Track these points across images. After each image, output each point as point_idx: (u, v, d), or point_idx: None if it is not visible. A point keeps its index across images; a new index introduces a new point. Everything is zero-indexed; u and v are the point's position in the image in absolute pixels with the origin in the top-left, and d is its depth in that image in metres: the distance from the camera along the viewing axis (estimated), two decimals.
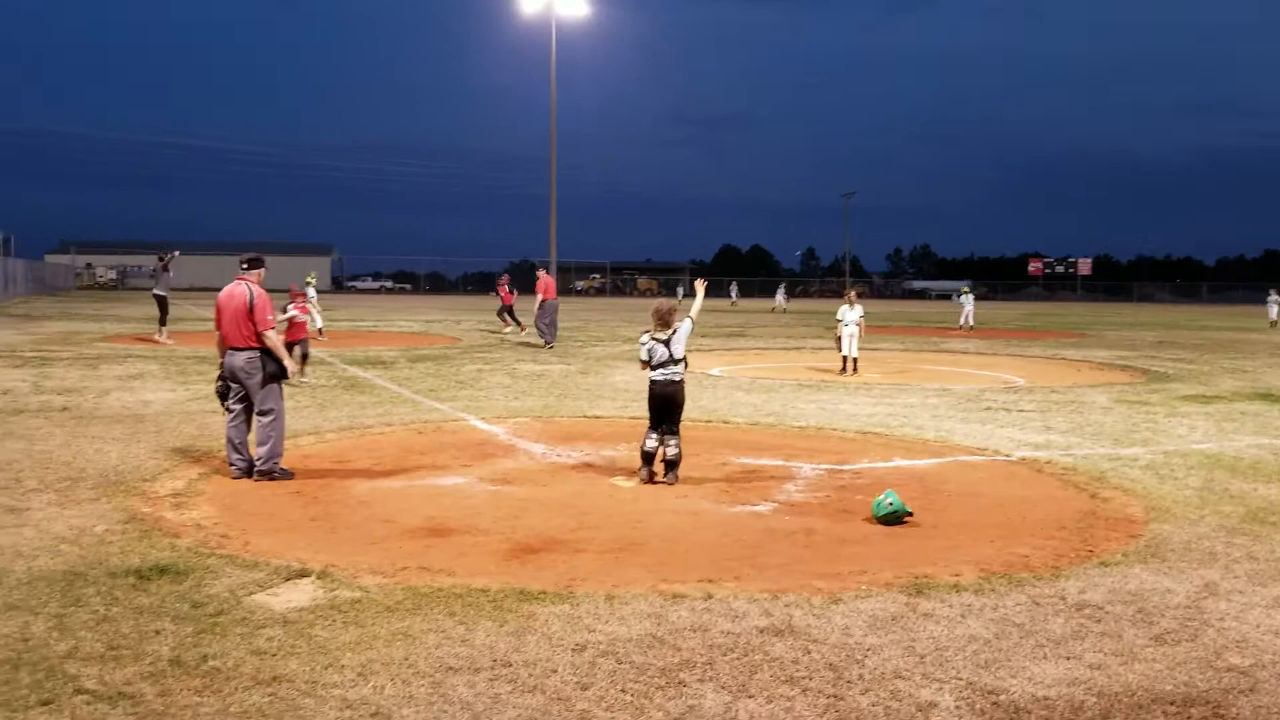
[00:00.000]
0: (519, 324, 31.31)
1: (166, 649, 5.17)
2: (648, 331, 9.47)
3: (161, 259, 26.42)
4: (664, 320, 9.41)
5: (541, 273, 27.26)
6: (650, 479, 9.39)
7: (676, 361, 9.39)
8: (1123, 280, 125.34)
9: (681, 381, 9.46)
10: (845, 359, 20.07)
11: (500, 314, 32.49)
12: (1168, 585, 6.52)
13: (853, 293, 20.87)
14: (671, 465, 9.41)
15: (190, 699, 4.58)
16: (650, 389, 9.53)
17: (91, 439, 11.26)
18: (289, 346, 15.91)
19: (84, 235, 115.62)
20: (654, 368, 9.44)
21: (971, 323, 38.85)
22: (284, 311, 16.14)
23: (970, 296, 40.37)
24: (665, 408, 9.43)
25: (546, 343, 26.17)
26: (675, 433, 9.43)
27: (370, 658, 5.10)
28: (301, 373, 16.29)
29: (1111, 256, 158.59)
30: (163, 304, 25.84)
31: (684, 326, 9.45)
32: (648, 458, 9.46)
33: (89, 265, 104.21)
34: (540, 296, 26.33)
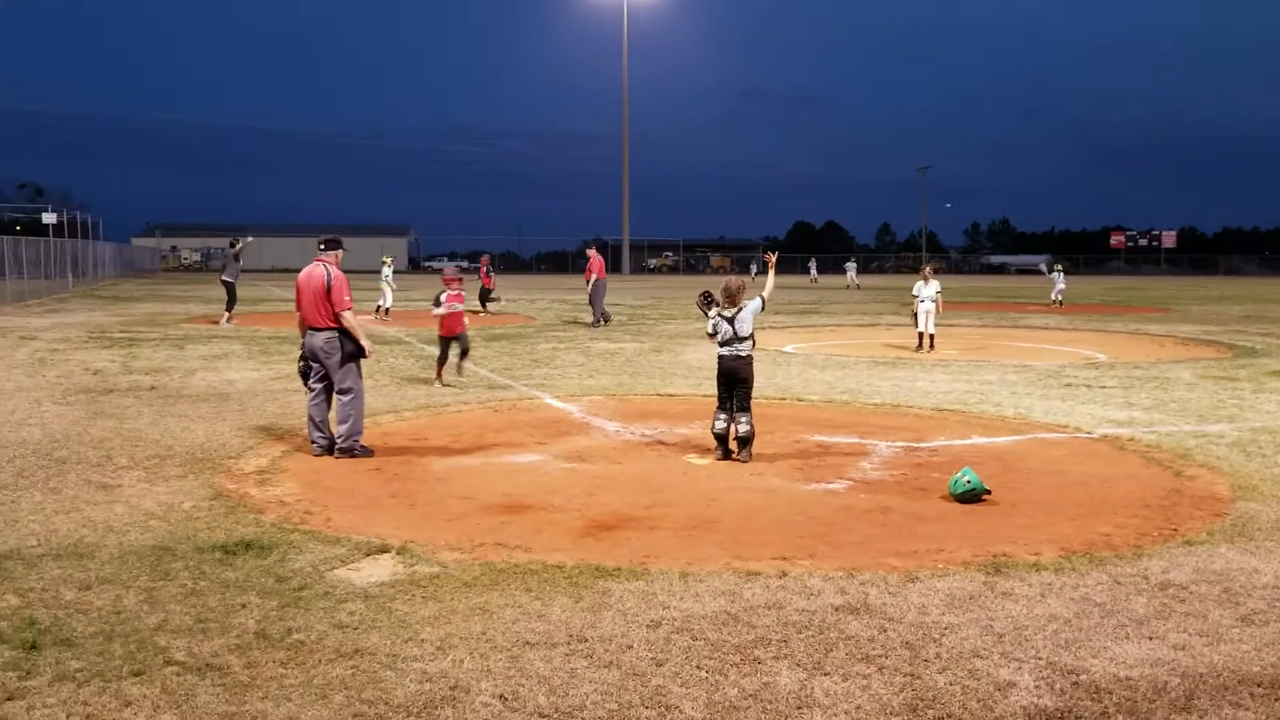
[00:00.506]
0: (484, 308, 30.33)
1: (252, 622, 5.30)
2: (716, 306, 9.51)
3: (234, 244, 26.43)
4: (731, 298, 9.45)
5: (592, 251, 26.79)
6: (725, 457, 9.40)
7: (742, 339, 9.41)
8: (1209, 253, 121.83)
9: (748, 358, 9.46)
10: (922, 335, 19.86)
11: (481, 298, 30.92)
12: (1255, 565, 6.37)
13: (928, 268, 20.67)
14: (744, 442, 9.40)
15: (275, 671, 4.70)
16: (718, 363, 9.59)
17: (178, 418, 11.55)
18: (446, 341, 14.32)
19: (169, 218, 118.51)
20: (721, 344, 9.49)
21: (1061, 299, 37.95)
22: (437, 304, 14.35)
23: (1061, 273, 39.51)
24: (730, 382, 9.46)
25: (594, 323, 26.08)
26: (746, 409, 9.42)
27: (449, 632, 5.18)
28: (460, 370, 14.62)
29: (1196, 229, 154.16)
30: (231, 290, 25.85)
31: (751, 305, 9.47)
32: (720, 439, 9.48)
33: (174, 248, 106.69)
34: (595, 276, 26.13)
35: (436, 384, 14.16)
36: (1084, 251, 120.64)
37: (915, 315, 20.14)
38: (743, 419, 9.39)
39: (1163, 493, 8.27)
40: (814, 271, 75.34)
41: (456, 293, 14.47)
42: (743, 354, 9.43)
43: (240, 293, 26.49)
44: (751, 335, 9.49)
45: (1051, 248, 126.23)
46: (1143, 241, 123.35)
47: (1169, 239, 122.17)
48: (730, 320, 9.40)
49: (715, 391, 9.70)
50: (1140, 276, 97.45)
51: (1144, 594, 5.83)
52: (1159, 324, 28.57)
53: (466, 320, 14.71)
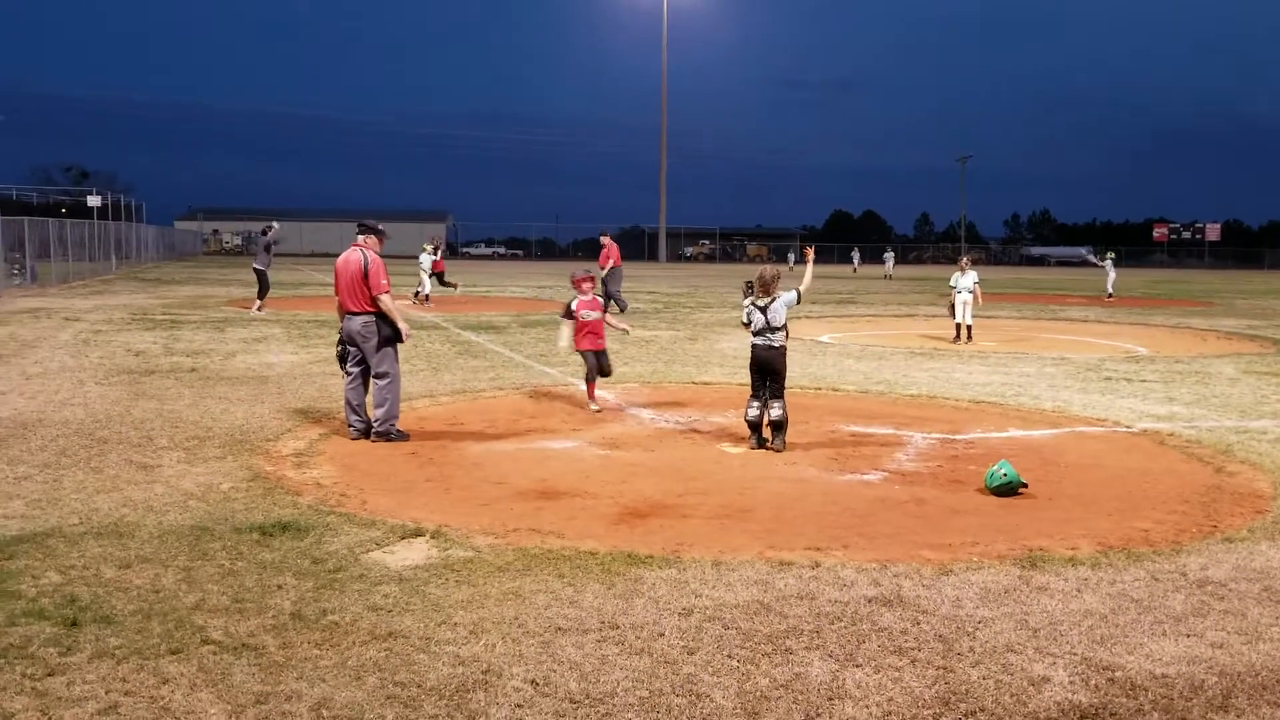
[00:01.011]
0: (453, 287, 31.33)
1: (288, 603, 5.35)
2: (751, 297, 9.54)
3: (265, 232, 25.45)
4: (765, 287, 9.46)
5: (606, 239, 26.30)
6: (759, 446, 9.39)
7: (774, 329, 9.42)
8: (1254, 246, 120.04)
9: (781, 348, 9.47)
10: (959, 326, 19.74)
11: (443, 282, 30.69)
12: None
13: (966, 259, 20.55)
14: (778, 428, 9.41)
15: (310, 652, 4.74)
16: (751, 353, 9.61)
17: (218, 399, 11.67)
18: (588, 357, 11.56)
19: (211, 202, 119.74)
20: (754, 333, 9.52)
21: (1113, 291, 37.05)
22: (569, 315, 11.60)
23: (1112, 262, 38.42)
24: (763, 372, 9.49)
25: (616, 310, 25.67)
26: (779, 397, 9.42)
27: (482, 616, 5.20)
28: (591, 398, 11.59)
29: (1241, 222, 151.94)
30: (262, 279, 24.91)
31: (785, 296, 9.48)
32: (753, 426, 9.48)
33: (215, 231, 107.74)
34: (610, 264, 25.60)
35: (592, 405, 11.50)
36: (1126, 244, 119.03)
37: (953, 306, 20.01)
38: (775, 405, 9.38)
39: (1203, 489, 8.18)
40: (856, 261, 74.65)
41: (590, 298, 11.71)
42: (775, 344, 9.43)
43: (280, 277, 26.16)
44: (784, 325, 9.48)
45: (1093, 239, 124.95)
46: (1186, 234, 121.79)
47: (1213, 232, 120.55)
48: (763, 309, 9.41)
49: (749, 380, 9.70)
50: (1183, 269, 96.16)
51: (1182, 591, 5.76)
52: (1201, 318, 28.21)
53: (602, 336, 11.77)
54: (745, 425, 9.62)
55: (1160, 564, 6.22)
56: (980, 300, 20.12)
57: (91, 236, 41.87)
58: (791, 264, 71.21)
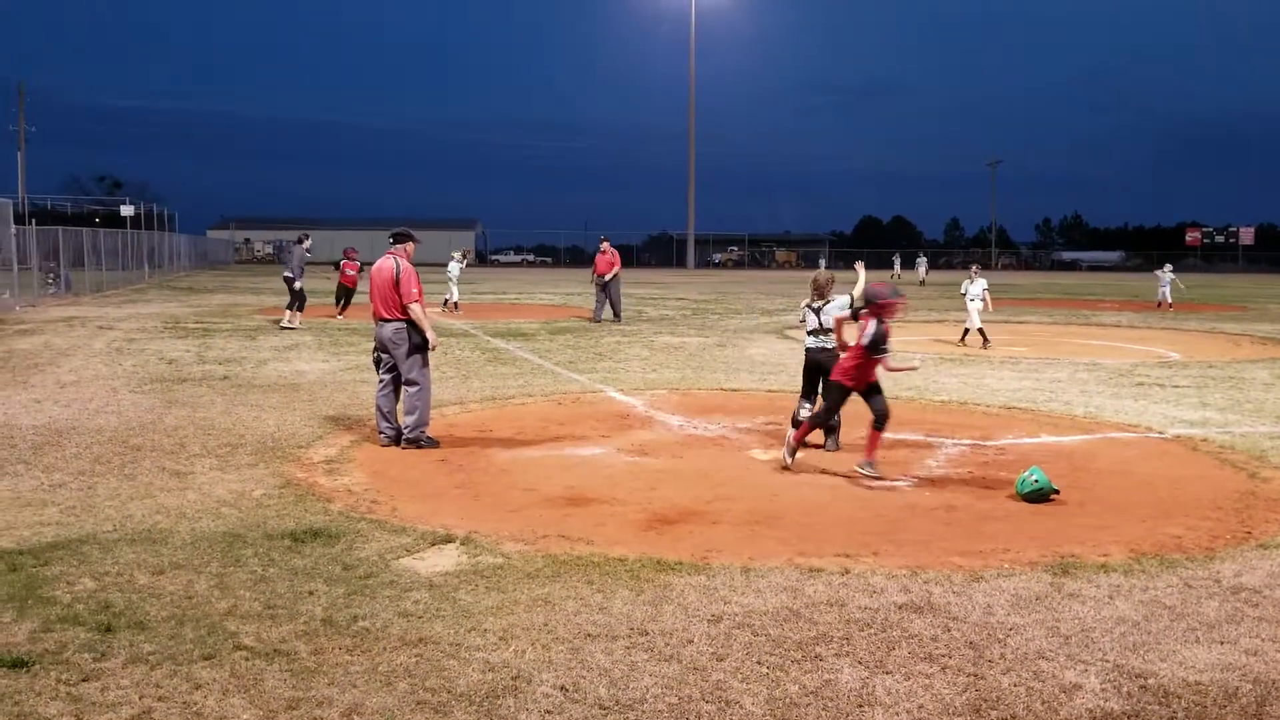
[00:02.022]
0: (340, 307, 25.64)
1: (319, 609, 5.39)
2: (806, 301, 9.93)
3: (300, 240, 24.26)
4: (820, 291, 9.79)
5: (607, 244, 25.58)
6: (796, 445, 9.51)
7: (826, 331, 9.71)
8: None
9: (834, 350, 9.68)
10: (982, 332, 19.97)
11: (338, 299, 25.77)
12: None
13: (975, 267, 22.13)
14: (830, 431, 9.62)
15: (341, 658, 4.77)
16: (804, 355, 9.91)
17: (250, 407, 11.76)
18: (859, 395, 8.74)
19: (243, 211, 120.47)
20: (807, 334, 9.83)
21: (1169, 299, 36.16)
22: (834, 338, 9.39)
23: (1169, 269, 37.33)
24: (815, 374, 9.77)
25: (595, 318, 25.06)
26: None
27: (511, 622, 5.22)
28: (871, 455, 8.62)
29: (1276, 225, 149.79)
30: (296, 290, 23.24)
31: (839, 299, 9.74)
32: (798, 423, 9.57)
33: (247, 240, 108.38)
34: (616, 269, 25.15)
35: (867, 468, 8.62)
36: (1158, 248, 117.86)
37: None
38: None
39: (1236, 495, 8.10)
40: (897, 265, 73.99)
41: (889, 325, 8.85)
42: (827, 345, 9.71)
43: (309, 284, 24.78)
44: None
45: (1125, 244, 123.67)
46: (1219, 238, 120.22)
47: (1247, 235, 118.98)
48: (817, 312, 9.74)
49: (779, 387, 9.75)
50: (1217, 274, 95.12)
51: (1215, 597, 5.71)
52: (1235, 322, 27.93)
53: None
54: (784, 425, 9.69)
55: (1193, 570, 6.17)
56: (990, 306, 20.82)
57: (125, 246, 42.25)
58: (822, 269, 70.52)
